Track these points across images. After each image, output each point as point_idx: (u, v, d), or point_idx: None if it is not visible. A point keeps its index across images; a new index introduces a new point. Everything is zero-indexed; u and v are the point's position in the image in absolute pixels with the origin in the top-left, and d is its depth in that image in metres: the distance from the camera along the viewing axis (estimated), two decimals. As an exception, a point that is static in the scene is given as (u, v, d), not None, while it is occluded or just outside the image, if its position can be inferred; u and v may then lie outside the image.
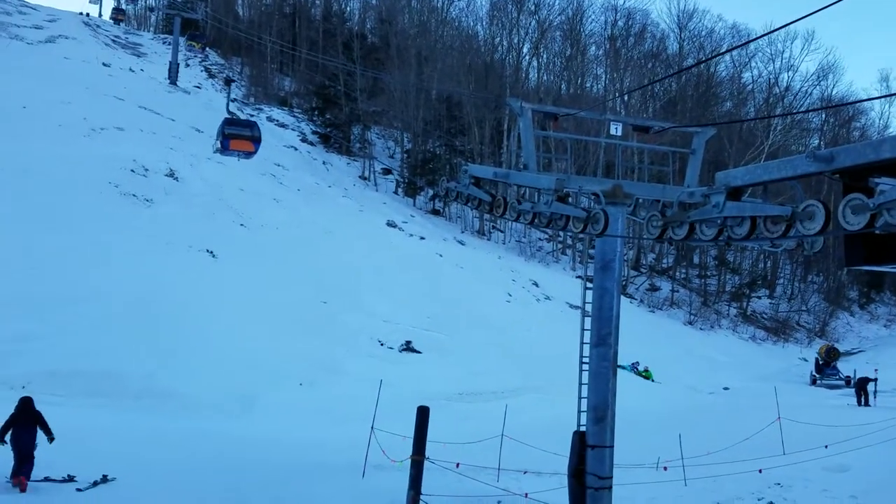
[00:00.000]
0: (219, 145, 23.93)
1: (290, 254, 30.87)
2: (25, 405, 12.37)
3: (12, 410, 12.29)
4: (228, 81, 32.30)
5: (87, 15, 78.86)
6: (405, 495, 9.90)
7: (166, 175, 34.59)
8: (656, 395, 28.68)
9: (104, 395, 18.02)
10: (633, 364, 31.84)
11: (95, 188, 29.71)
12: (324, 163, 52.68)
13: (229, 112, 25.42)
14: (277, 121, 56.92)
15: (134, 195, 30.84)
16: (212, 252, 28.48)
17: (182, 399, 18.78)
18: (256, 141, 23.78)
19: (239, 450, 15.94)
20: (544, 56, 66.39)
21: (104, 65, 53.77)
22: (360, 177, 54.61)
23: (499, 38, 65.73)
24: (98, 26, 71.23)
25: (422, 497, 9.71)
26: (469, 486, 12.75)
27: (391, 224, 43.12)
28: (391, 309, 29.48)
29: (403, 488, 9.94)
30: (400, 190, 55.06)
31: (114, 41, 65.82)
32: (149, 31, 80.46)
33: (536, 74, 66.51)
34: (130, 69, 55.64)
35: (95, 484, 12.48)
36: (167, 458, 14.50)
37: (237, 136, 23.50)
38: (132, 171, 33.02)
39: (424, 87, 55.95)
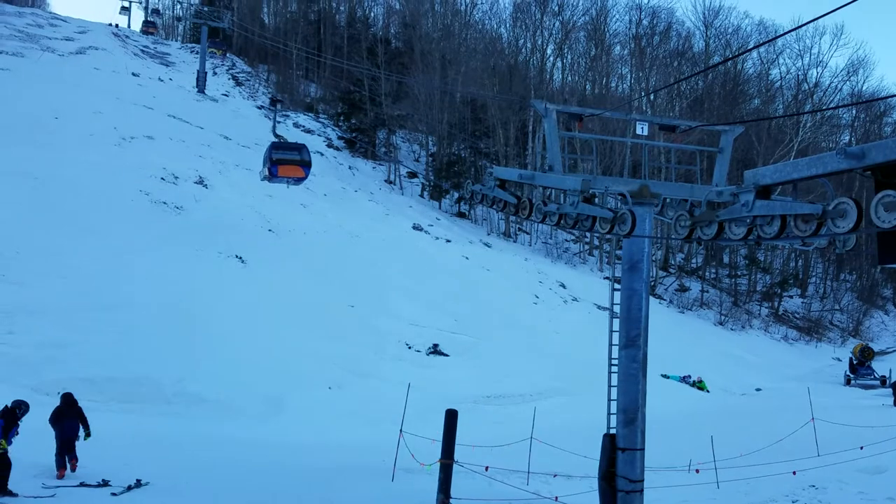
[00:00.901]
0: (266, 173, 22.66)
1: (318, 258, 31.14)
2: (69, 399, 13.61)
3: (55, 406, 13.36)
4: (275, 102, 29.99)
5: (117, 26, 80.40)
6: (434, 498, 9.91)
7: (196, 182, 35.09)
8: (690, 397, 28.39)
9: (137, 400, 18.33)
10: (683, 377, 31.55)
11: (126, 196, 30.24)
12: (350, 167, 53.03)
13: (276, 135, 24.58)
14: (304, 127, 57.45)
15: (164, 203, 31.32)
16: (241, 258, 28.82)
17: (212, 403, 19.02)
18: (307, 165, 22.52)
19: (268, 453, 16.09)
20: (568, 57, 66.19)
21: (133, 74, 54.74)
22: (385, 181, 54.88)
23: (522, 40, 65.66)
24: (127, 37, 72.53)
25: (451, 500, 9.71)
26: (499, 489, 12.72)
27: (417, 227, 43.23)
28: (418, 312, 29.55)
29: (433, 491, 9.95)
30: (425, 193, 55.21)
31: (143, 51, 66.97)
32: (177, 41, 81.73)
33: (561, 75, 66.32)
34: (159, 79, 56.55)
35: (129, 488, 12.68)
36: (198, 461, 14.69)
37: (286, 162, 22.22)
38: (162, 178, 33.55)
39: (449, 91, 56.03)
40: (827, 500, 14.49)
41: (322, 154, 52.60)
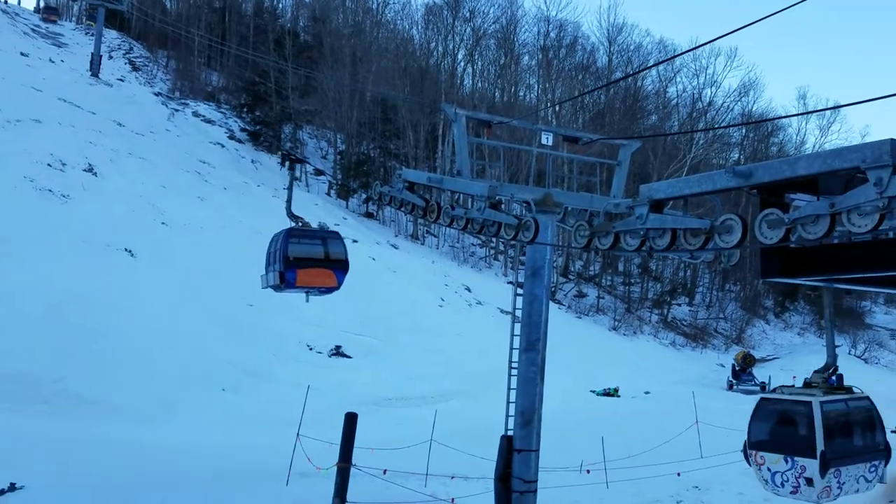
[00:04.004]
0: (275, 279, 15.08)
1: (215, 254, 30.05)
2: None
3: None
4: (292, 161, 19.00)
5: (6, 2, 74.64)
6: (330, 502, 9.75)
7: (85, 170, 33.15)
8: (579, 398, 29.26)
9: (13, 399, 17.12)
10: (605, 390, 32.83)
11: (9, 182, 28.21)
12: (252, 161, 51.57)
13: (293, 217, 15.82)
14: (204, 116, 55.43)
15: (50, 191, 29.43)
16: (130, 251, 27.44)
17: (97, 404, 18.00)
18: (341, 267, 15.38)
19: (156, 457, 15.38)
20: (479, 63, 67.02)
21: (22, 55, 51.14)
22: (290, 177, 53.74)
23: (434, 43, 66.02)
24: (17, 14, 67.59)
25: (348, 504, 9.60)
26: (396, 492, 12.68)
27: (323, 227, 42.59)
28: (321, 313, 29.03)
29: (328, 496, 9.79)
30: (332, 192, 54.45)
31: (33, 30, 62.64)
32: (71, 21, 76.91)
33: (471, 81, 67.08)
34: (50, 60, 53.14)
35: (2, 492, 11.87)
36: (79, 466, 13.86)
37: (309, 262, 15.02)
38: (49, 165, 31.51)
39: (359, 89, 55.55)
40: (709, 501, 15.31)
41: (223, 146, 50.94)
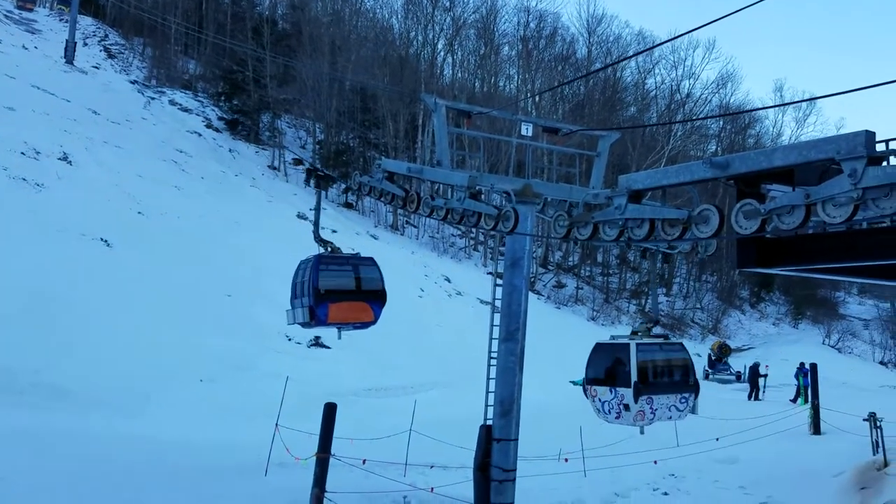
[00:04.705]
0: (304, 315, 13.62)
1: (193, 244, 29.76)
2: None
3: None
4: (318, 177, 16.48)
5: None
6: (309, 493, 9.74)
7: (59, 158, 32.61)
8: (558, 387, 29.46)
9: (-15, 392, 16.82)
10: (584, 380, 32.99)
11: (-21, 170, 27.68)
12: (230, 150, 51.05)
13: (321, 242, 14.56)
14: (180, 105, 54.73)
15: (24, 179, 28.91)
16: (106, 241, 27.08)
17: (73, 396, 17.77)
18: (378, 299, 13.89)
19: (135, 449, 15.24)
20: (459, 53, 66.87)
21: (-8, 40, 50.13)
22: (269, 166, 53.28)
23: (414, 33, 65.70)
24: (-13, -1, 66.05)
25: (326, 494, 9.58)
26: (375, 482, 12.69)
27: (301, 216, 42.33)
28: (299, 303, 28.95)
29: (307, 486, 9.77)
30: (311, 181, 54.05)
31: (6, 16, 61.33)
32: (45, 7, 75.33)
33: (451, 71, 66.94)
34: (23, 46, 52.07)
35: (-24, 485, 11.65)
36: (56, 457, 13.69)
37: (342, 295, 13.52)
38: (22, 153, 30.95)
39: (338, 78, 55.15)
40: (685, 488, 15.52)
41: (200, 135, 50.37)
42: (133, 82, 54.99)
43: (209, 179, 41.03)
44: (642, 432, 11.60)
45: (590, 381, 11.86)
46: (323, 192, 16.44)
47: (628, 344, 11.38)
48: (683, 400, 11.65)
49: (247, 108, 56.54)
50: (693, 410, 11.90)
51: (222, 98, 58.03)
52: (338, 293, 13.38)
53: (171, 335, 22.21)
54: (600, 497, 14.74)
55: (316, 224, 15.04)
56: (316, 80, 54.78)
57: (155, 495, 12.33)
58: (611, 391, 11.38)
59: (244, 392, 20.20)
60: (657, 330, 12.29)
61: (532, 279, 48.16)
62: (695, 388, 11.83)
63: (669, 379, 11.60)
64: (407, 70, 60.77)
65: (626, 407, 11.20)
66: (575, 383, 32.44)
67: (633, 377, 10.98)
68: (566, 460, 16.07)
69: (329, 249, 14.35)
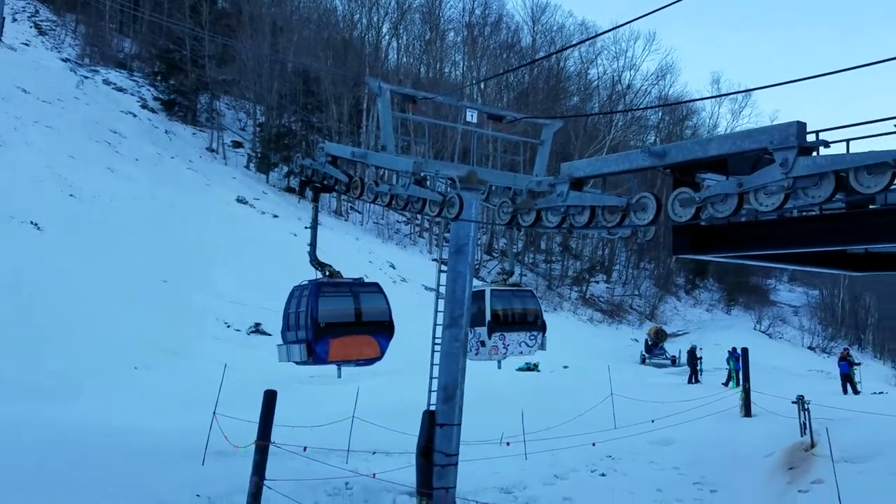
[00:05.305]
0: (302, 354, 12.00)
1: (127, 228, 28.85)
2: None
3: None
4: (315, 189, 13.99)
5: None
6: (248, 481, 9.59)
7: (-17, 138, 31.12)
8: (501, 373, 29.80)
9: None
10: (526, 365, 33.58)
11: None
12: (166, 132, 49.54)
13: (319, 265, 13.20)
14: (115, 84, 52.75)
15: (-57, 158, 27.50)
16: (36, 224, 25.98)
17: (5, 383, 17.03)
18: (386, 332, 12.75)
19: (67, 436, 14.70)
20: (404, 37, 66.31)
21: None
22: (207, 149, 51.91)
23: (358, 15, 64.84)
24: None
25: (266, 482, 9.45)
26: (317, 469, 12.58)
27: (241, 200, 41.47)
28: (240, 289, 28.39)
29: (246, 474, 9.61)
30: (252, 165, 52.99)
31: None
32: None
33: (396, 56, 66.37)
34: (-56, 19, 49.26)
35: None
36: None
37: (344, 329, 12.01)
38: (-59, 131, 29.40)
39: (279, 59, 54.05)
40: (622, 469, 15.91)
41: (135, 115, 48.73)
42: (65, 60, 52.68)
43: (144, 161, 39.77)
44: (499, 366, 13.27)
45: None
46: (309, 196, 15.45)
47: (484, 290, 13.08)
48: (532, 337, 13.33)
49: (184, 89, 54.90)
50: (542, 347, 13.43)
51: (158, 78, 56.20)
52: (339, 326, 11.87)
53: (105, 321, 21.53)
54: (540, 479, 14.99)
55: (312, 245, 13.41)
56: (256, 61, 53.57)
57: (87, 482, 11.94)
58: (472, 331, 12.51)
59: (181, 379, 19.75)
60: (515, 281, 14.28)
61: (476, 266, 48.46)
62: (542, 328, 13.36)
63: (521, 320, 13.20)
64: (351, 53, 59.95)
65: (483, 343, 12.85)
66: (520, 369, 33.03)
67: (488, 317, 12.72)
68: (508, 444, 16.27)
69: (327, 274, 12.83)
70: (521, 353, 13.20)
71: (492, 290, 13.04)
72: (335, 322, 11.82)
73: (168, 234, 30.14)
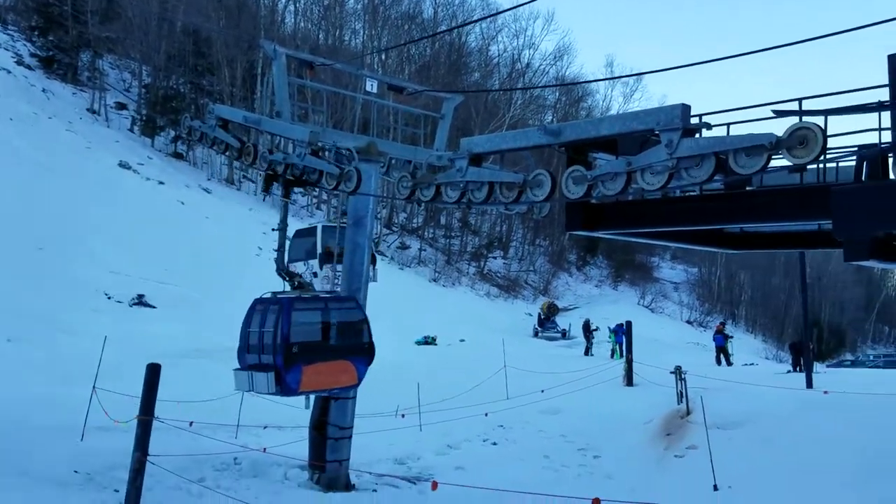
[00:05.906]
0: (270, 385, 10.34)
1: (-2, 192, 26.69)
2: None
3: None
4: (287, 183, 12.46)
5: None
6: (130, 457, 9.20)
7: None
8: (399, 346, 29.98)
9: None
10: (424, 338, 33.74)
11: None
12: (44, 90, 45.97)
13: (287, 276, 12.32)
14: (-15, 37, 48.40)
15: None
16: None
17: None
18: (366, 355, 11.31)
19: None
20: (301, 1, 64.28)
21: None
22: (88, 110, 48.60)
23: (254, -25, 62.07)
24: None
25: (150, 458, 9.09)
26: (205, 444, 12.24)
27: (124, 165, 39.23)
28: (121, 259, 26.97)
29: (129, 450, 9.21)
30: (136, 128, 50.11)
31: None
32: None
33: (293, 20, 64.19)
34: None
35: None
36: None
37: (318, 353, 10.61)
38: None
39: (168, 18, 51.15)
40: (512, 438, 16.45)
41: (9, 72, 44.92)
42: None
43: (18, 121, 36.79)
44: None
45: (291, 259, 14.95)
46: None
47: (316, 227, 16.89)
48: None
49: (64, 45, 51.06)
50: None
51: (36, 33, 51.95)
52: (313, 350, 10.38)
53: (-30, 292, 19.90)
54: (434, 449, 15.25)
55: (279, 250, 12.11)
56: (143, 18, 50.50)
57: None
58: (304, 264, 15.72)
59: (58, 353, 18.60)
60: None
61: (376, 240, 48.16)
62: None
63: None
64: (245, 15, 57.52)
65: (315, 275, 15.58)
66: (415, 342, 33.35)
67: (319, 250, 15.85)
68: (403, 416, 16.44)
69: (296, 284, 11.64)
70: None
71: (323, 227, 16.56)
72: (309, 343, 10.39)
73: (45, 199, 28.13)
